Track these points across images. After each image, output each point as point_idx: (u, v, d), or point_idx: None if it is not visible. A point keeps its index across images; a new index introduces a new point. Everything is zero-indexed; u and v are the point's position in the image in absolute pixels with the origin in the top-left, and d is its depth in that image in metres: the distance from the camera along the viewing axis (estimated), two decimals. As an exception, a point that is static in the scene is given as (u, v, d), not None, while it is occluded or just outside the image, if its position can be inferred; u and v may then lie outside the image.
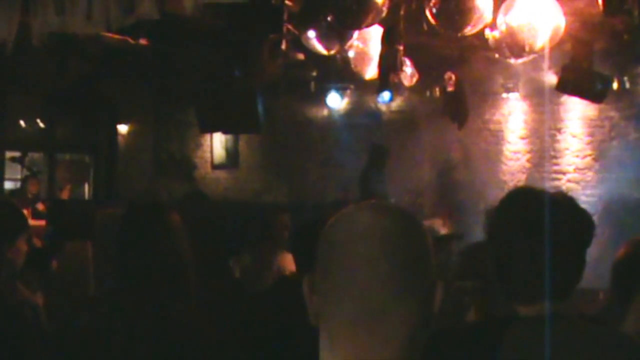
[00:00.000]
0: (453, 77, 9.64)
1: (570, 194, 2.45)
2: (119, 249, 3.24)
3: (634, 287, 2.85)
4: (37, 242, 8.16)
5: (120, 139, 15.70)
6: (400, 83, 8.67)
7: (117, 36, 8.01)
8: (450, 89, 9.75)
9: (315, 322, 1.58)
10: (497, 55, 7.48)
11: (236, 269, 6.12)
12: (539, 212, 2.23)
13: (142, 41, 8.60)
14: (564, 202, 2.35)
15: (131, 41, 8.49)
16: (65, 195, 12.77)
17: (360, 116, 12.40)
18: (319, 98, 12.33)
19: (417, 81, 8.85)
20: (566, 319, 2.23)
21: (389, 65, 7.42)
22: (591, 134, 10.36)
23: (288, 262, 6.19)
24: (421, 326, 1.55)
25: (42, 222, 8.38)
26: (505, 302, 2.31)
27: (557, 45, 6.88)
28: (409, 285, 1.54)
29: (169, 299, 3.10)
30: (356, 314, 1.52)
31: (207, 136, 14.03)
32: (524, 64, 8.24)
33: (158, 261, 3.13)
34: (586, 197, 9.84)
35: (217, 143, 14.15)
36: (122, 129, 15.63)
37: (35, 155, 15.28)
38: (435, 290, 1.59)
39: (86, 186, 15.34)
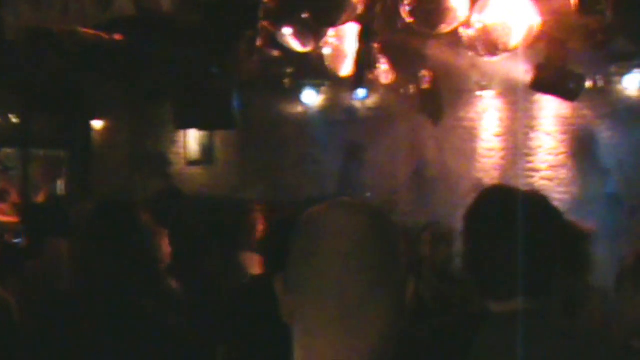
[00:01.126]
0: (428, 74, 9.67)
1: (543, 191, 2.47)
2: (87, 247, 3.23)
3: None
4: (9, 238, 8.13)
5: (94, 134, 15.61)
6: (377, 80, 8.69)
7: (92, 31, 7.97)
8: (425, 86, 9.77)
9: (288, 320, 1.60)
10: (471, 54, 7.50)
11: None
12: (512, 209, 2.25)
13: (117, 37, 8.56)
14: (537, 200, 2.37)
15: (106, 37, 8.45)
16: (41, 197, 12.68)
17: (336, 113, 12.40)
18: (294, 95, 12.32)
19: (393, 79, 8.88)
20: (539, 315, 2.25)
21: (364, 62, 7.44)
22: (564, 132, 10.42)
23: (251, 263, 6.19)
24: (394, 321, 1.58)
25: (13, 219, 8.32)
26: (479, 298, 2.32)
27: (531, 44, 6.92)
28: (381, 281, 1.57)
29: (140, 296, 3.09)
30: (331, 311, 1.54)
31: (182, 132, 13.99)
32: (498, 62, 8.27)
33: (127, 259, 3.12)
34: (559, 194, 9.90)
35: (192, 139, 14.11)
36: (97, 124, 15.54)
37: (8, 151, 15.16)
38: (407, 285, 1.63)
39: (60, 182, 15.25)
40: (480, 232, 2.33)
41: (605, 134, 9.91)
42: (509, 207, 2.28)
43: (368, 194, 8.84)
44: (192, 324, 3.39)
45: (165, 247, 5.06)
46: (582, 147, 10.18)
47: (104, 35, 8.34)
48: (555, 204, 2.44)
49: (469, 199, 2.45)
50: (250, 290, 4.19)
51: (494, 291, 2.29)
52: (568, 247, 2.95)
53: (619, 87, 9.80)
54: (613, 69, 9.73)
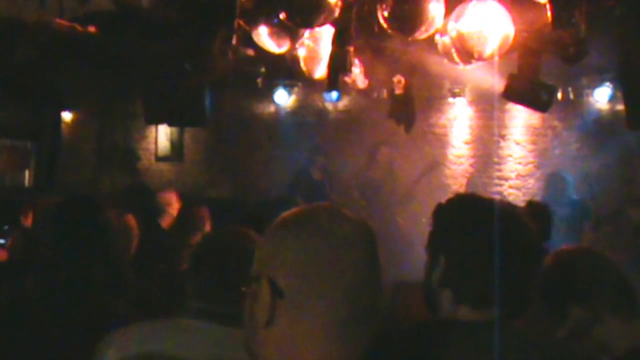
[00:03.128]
0: (402, 80, 9.68)
1: (511, 200, 2.49)
2: (51, 243, 3.19)
3: (566, 301, 2.89)
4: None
5: (63, 126, 15.49)
6: (350, 84, 8.69)
7: (66, 23, 7.90)
8: (398, 92, 9.79)
9: (269, 320, 1.58)
10: (445, 61, 7.54)
11: None
12: (487, 219, 2.26)
13: (91, 29, 8.50)
14: (510, 210, 2.38)
15: (79, 29, 8.39)
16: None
17: (307, 114, 12.40)
18: (267, 94, 12.31)
19: (367, 83, 8.90)
20: (512, 325, 2.26)
21: (338, 65, 7.44)
22: (534, 142, 10.51)
23: None
24: (379, 327, 1.62)
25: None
26: (451, 305, 2.32)
27: (505, 54, 6.96)
28: (377, 292, 1.63)
29: (105, 294, 3.06)
30: (342, 316, 1.58)
31: (152, 127, 13.91)
32: (471, 70, 8.32)
33: (91, 257, 3.08)
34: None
35: (162, 135, 14.04)
36: (67, 116, 15.42)
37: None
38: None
39: (27, 173, 15.11)
40: (453, 239, 2.33)
41: (573, 145, 10.00)
42: (482, 215, 2.29)
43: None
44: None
45: (134, 242, 5.04)
46: (550, 157, 10.26)
47: (78, 27, 8.28)
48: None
49: (425, 179, 2.45)
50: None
51: (467, 299, 2.29)
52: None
53: (590, 99, 9.90)
54: (584, 81, 9.82)
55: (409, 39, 6.89)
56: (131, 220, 5.27)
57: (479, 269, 2.26)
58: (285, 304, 1.58)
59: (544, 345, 2.27)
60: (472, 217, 2.33)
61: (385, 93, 10.50)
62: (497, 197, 2.65)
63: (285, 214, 1.67)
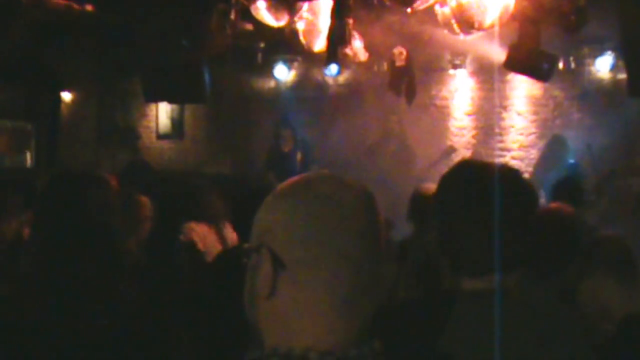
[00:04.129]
0: (404, 52, 9.63)
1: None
2: (42, 220, 3.13)
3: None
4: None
5: (63, 107, 15.45)
6: (353, 58, 8.65)
7: (61, 1, 7.85)
8: (399, 63, 9.74)
9: (270, 292, 1.55)
10: (446, 31, 7.48)
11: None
12: (485, 184, 2.22)
13: (88, 7, 8.45)
14: (510, 175, 2.34)
15: (76, 7, 8.33)
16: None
17: (307, 89, 12.36)
18: (266, 69, 12.26)
19: (367, 56, 8.85)
20: (514, 292, 2.23)
21: (337, 38, 7.39)
22: (536, 113, 10.47)
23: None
24: (384, 298, 1.59)
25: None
26: (451, 275, 2.30)
27: (505, 24, 6.91)
28: (380, 262, 1.59)
29: (106, 274, 3.02)
30: (345, 288, 1.53)
31: (152, 106, 13.88)
32: (472, 41, 8.27)
33: (84, 234, 3.03)
34: (529, 174, 9.95)
35: (163, 113, 14.00)
36: (66, 96, 15.37)
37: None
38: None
39: (28, 154, 15.09)
40: (452, 208, 2.30)
41: (575, 115, 9.96)
42: (481, 182, 2.25)
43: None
44: (164, 304, 3.34)
45: (144, 224, 4.99)
46: (552, 127, 10.23)
47: (74, 6, 8.23)
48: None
49: (439, 166, 2.43)
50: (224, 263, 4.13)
51: (467, 268, 2.27)
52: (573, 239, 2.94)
53: (591, 68, 9.85)
54: (585, 50, 9.77)
55: (409, 10, 6.84)
56: (143, 200, 5.20)
57: (474, 237, 2.23)
58: (287, 275, 1.54)
59: (544, 313, 2.25)
60: (465, 184, 2.30)
61: (385, 66, 10.45)
62: (502, 163, 2.61)
63: (284, 182, 1.63)
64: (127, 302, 3.00)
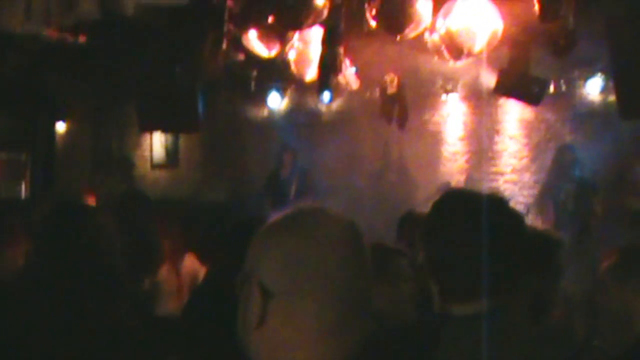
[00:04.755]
0: (395, 78, 9.70)
1: (507, 194, 2.50)
2: (42, 250, 3.18)
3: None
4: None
5: (58, 137, 15.49)
6: (345, 86, 8.71)
7: (56, 32, 7.90)
8: (391, 90, 9.80)
9: (260, 322, 1.60)
10: (436, 58, 7.55)
11: None
12: (473, 212, 2.27)
13: (82, 38, 8.50)
14: (496, 202, 2.39)
15: (70, 38, 8.39)
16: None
17: (301, 116, 12.40)
18: (260, 97, 12.30)
19: (359, 83, 8.91)
20: (501, 317, 2.26)
21: (329, 66, 7.45)
22: (528, 136, 10.51)
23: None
24: (369, 327, 1.63)
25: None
26: (440, 301, 2.34)
27: (495, 49, 6.98)
28: (367, 292, 1.65)
29: (101, 302, 3.05)
30: (331, 316, 1.59)
31: (147, 135, 13.90)
32: (463, 66, 8.34)
33: (81, 262, 3.07)
34: (523, 197, 9.98)
35: (157, 142, 14.03)
36: (60, 126, 15.41)
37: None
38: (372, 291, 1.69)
39: (23, 184, 15.10)
40: (441, 234, 2.35)
41: (567, 138, 9.99)
42: (469, 210, 2.30)
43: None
44: (158, 329, 3.36)
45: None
46: (545, 150, 10.26)
47: (68, 36, 8.28)
48: (520, 207, 2.47)
49: (432, 201, 2.48)
50: (205, 294, 4.15)
51: (455, 293, 2.30)
52: (540, 254, 2.99)
53: (582, 91, 9.90)
54: (576, 73, 9.82)
55: (399, 37, 6.90)
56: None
57: (462, 263, 2.27)
58: (276, 305, 1.59)
59: (533, 335, 2.28)
60: (452, 212, 2.35)
61: (378, 92, 10.50)
62: (489, 190, 2.66)
63: (274, 216, 1.69)
64: (127, 329, 3.04)
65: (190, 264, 6.50)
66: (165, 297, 6.03)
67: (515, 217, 2.41)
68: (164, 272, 6.19)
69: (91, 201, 7.02)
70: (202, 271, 6.49)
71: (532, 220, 8.41)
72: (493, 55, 7.36)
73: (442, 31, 6.82)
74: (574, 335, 2.87)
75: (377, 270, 1.69)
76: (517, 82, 7.50)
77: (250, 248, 1.70)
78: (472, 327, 2.20)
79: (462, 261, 2.27)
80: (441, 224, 2.37)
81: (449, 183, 10.58)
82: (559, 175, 9.35)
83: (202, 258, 6.28)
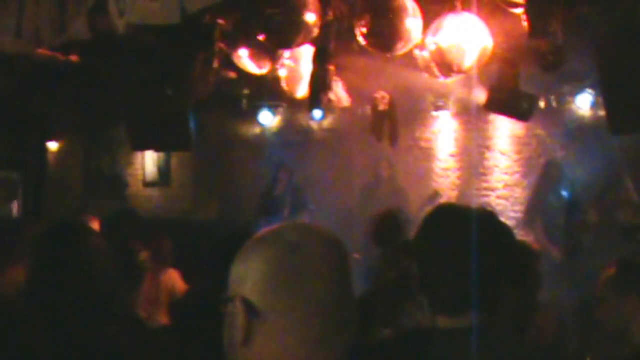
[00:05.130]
0: (386, 95, 9.72)
1: (499, 210, 2.52)
2: (35, 270, 3.19)
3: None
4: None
5: (49, 156, 15.47)
6: (333, 102, 8.72)
7: (47, 53, 7.90)
8: (382, 107, 9.82)
9: (245, 339, 1.61)
10: (426, 75, 7.58)
11: None
12: (461, 226, 2.29)
13: (73, 58, 8.50)
14: (485, 217, 2.41)
15: (61, 58, 8.39)
16: None
17: (292, 134, 12.42)
18: (251, 116, 12.32)
19: (349, 100, 8.93)
20: (489, 331, 2.27)
21: (319, 84, 7.46)
22: (519, 152, 10.55)
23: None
24: (351, 343, 1.64)
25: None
26: (429, 314, 2.35)
27: (484, 65, 7.00)
28: (349, 306, 1.67)
29: (94, 321, 3.06)
30: (315, 332, 1.60)
31: (139, 154, 13.91)
32: (454, 83, 8.36)
33: (74, 281, 3.08)
34: (515, 213, 10.01)
35: (149, 160, 14.03)
36: (52, 146, 15.40)
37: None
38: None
39: (14, 204, 15.06)
40: (430, 249, 2.36)
41: (558, 153, 10.03)
42: (458, 224, 2.32)
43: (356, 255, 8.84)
44: (153, 348, 3.37)
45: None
46: (536, 166, 10.29)
47: (59, 56, 8.28)
48: (511, 222, 2.49)
49: (425, 211, 2.50)
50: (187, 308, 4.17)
51: (444, 307, 2.32)
52: (519, 265, 3.01)
53: (572, 106, 9.95)
54: (565, 89, 9.87)
55: (388, 54, 6.92)
56: (144, 255, 5.29)
57: (450, 276, 2.28)
58: (260, 323, 1.60)
59: (521, 351, 2.29)
60: (442, 226, 2.37)
61: (369, 109, 10.53)
62: (479, 206, 2.68)
63: (257, 233, 1.69)
64: (117, 346, 3.04)
65: (169, 278, 6.59)
66: (143, 307, 6.09)
67: (504, 231, 2.43)
68: (145, 283, 6.25)
69: (94, 224, 7.03)
70: (180, 286, 6.59)
71: (521, 235, 8.45)
72: (483, 71, 7.39)
73: (432, 48, 6.84)
74: (565, 350, 2.88)
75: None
76: (506, 98, 7.52)
77: (234, 264, 1.70)
78: (460, 341, 2.21)
79: (451, 275, 2.29)
80: (431, 237, 2.39)
81: (438, 192, 10.61)
82: (546, 191, 9.39)
83: (186, 275, 6.33)
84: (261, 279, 1.62)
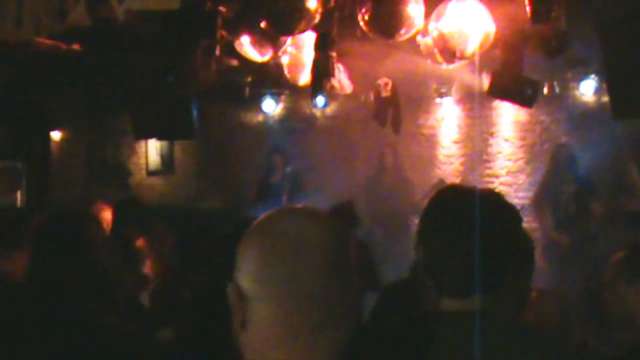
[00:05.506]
0: (389, 82, 9.70)
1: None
2: (36, 260, 3.20)
3: None
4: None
5: (53, 145, 15.47)
6: (339, 90, 8.71)
7: (48, 41, 7.89)
8: (385, 94, 9.80)
9: (240, 328, 1.60)
10: (429, 61, 7.55)
11: None
12: (467, 207, 2.27)
13: (75, 46, 8.49)
14: (492, 198, 2.40)
15: (63, 46, 8.37)
16: None
17: (295, 121, 12.41)
18: (254, 103, 12.31)
19: (352, 87, 8.91)
20: (493, 314, 2.26)
21: (322, 71, 7.45)
22: (523, 138, 10.54)
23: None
24: (353, 330, 1.61)
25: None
26: (435, 297, 2.34)
27: (487, 51, 6.98)
28: (348, 294, 1.61)
29: (93, 309, 3.06)
30: (305, 321, 1.57)
31: (142, 142, 13.91)
32: (457, 69, 8.34)
33: (75, 272, 3.09)
34: (519, 199, 9.99)
35: (152, 149, 14.03)
36: (55, 135, 15.40)
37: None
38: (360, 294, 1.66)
39: (18, 194, 15.07)
40: (436, 230, 2.35)
41: (562, 139, 10.01)
42: (463, 205, 2.30)
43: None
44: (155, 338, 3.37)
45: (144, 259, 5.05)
46: (540, 152, 10.28)
47: (61, 45, 8.27)
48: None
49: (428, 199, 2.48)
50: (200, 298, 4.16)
51: (449, 289, 2.31)
52: (525, 248, 2.99)
53: (576, 92, 9.93)
54: (569, 74, 9.85)
55: (391, 41, 6.90)
56: (140, 243, 5.27)
57: (455, 258, 2.27)
58: (254, 310, 1.59)
59: (525, 335, 2.28)
60: (448, 207, 2.36)
61: (372, 96, 10.51)
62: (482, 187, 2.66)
63: (256, 220, 1.68)
64: (115, 334, 3.05)
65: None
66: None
67: (512, 213, 2.42)
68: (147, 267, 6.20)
69: (106, 212, 7.03)
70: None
71: (528, 221, 8.44)
72: (486, 57, 7.36)
73: (435, 34, 6.82)
74: (567, 335, 2.87)
75: None
76: (510, 84, 7.49)
77: (237, 252, 1.70)
78: (465, 324, 2.20)
79: (457, 256, 2.27)
80: (437, 219, 2.38)
81: (443, 181, 10.60)
82: (557, 175, 9.35)
83: (190, 263, 6.28)
84: (249, 264, 1.61)
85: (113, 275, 3.24)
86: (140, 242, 5.23)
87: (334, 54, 7.46)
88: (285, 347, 1.58)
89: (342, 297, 1.60)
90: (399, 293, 4.26)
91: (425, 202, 2.45)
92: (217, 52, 7.76)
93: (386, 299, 4.46)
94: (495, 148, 10.70)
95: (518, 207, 2.49)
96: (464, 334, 2.19)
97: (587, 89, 9.73)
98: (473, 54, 6.70)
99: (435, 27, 6.78)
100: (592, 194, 9.13)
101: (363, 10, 6.69)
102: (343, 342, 1.60)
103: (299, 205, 1.72)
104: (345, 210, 6.38)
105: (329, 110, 11.91)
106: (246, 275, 1.61)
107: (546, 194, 9.41)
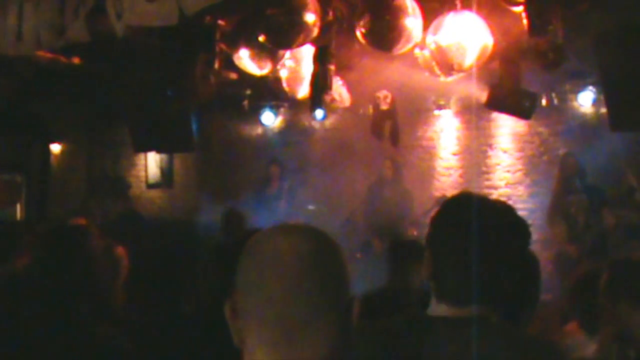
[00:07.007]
0: (388, 95, 9.72)
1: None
2: (36, 272, 3.22)
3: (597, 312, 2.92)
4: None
5: (52, 158, 15.49)
6: (337, 103, 8.73)
7: (48, 55, 7.92)
8: (384, 107, 9.82)
9: (239, 345, 1.62)
10: (427, 74, 7.59)
11: None
12: (477, 218, 2.27)
13: (75, 60, 8.53)
14: (501, 209, 2.40)
15: (63, 60, 8.41)
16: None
17: (294, 134, 12.42)
18: (253, 116, 12.32)
19: (351, 100, 8.94)
20: (489, 321, 2.27)
21: (320, 84, 7.48)
22: (521, 150, 10.55)
23: None
24: (341, 341, 1.60)
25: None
26: (435, 303, 2.35)
27: (485, 64, 7.01)
28: (326, 302, 1.60)
29: (91, 321, 3.08)
30: (276, 334, 1.57)
31: (142, 155, 13.90)
32: (455, 81, 8.36)
33: (74, 284, 3.10)
34: (518, 211, 9.97)
35: (152, 162, 14.03)
36: (55, 148, 15.42)
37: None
38: (353, 305, 1.66)
39: (18, 206, 15.08)
40: (441, 238, 2.35)
41: (560, 151, 10.02)
42: (470, 214, 2.31)
43: (358, 255, 8.78)
44: (146, 350, 3.38)
45: (123, 269, 5.05)
46: (538, 164, 10.28)
47: (60, 59, 8.30)
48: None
49: (432, 213, 2.48)
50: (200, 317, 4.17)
51: (448, 296, 2.31)
52: (526, 264, 3.00)
53: (574, 104, 9.95)
54: (567, 86, 9.87)
55: (389, 54, 6.94)
56: (120, 251, 5.27)
57: (457, 268, 2.28)
58: (246, 327, 1.61)
59: (520, 341, 2.29)
60: (457, 216, 2.35)
61: (370, 109, 10.53)
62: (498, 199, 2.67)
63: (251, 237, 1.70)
64: (109, 343, 3.07)
65: None
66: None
67: (521, 228, 2.43)
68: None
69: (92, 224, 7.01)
70: None
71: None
72: (484, 70, 7.39)
73: (433, 47, 6.85)
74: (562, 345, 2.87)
75: None
76: (508, 96, 7.53)
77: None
78: (458, 330, 2.21)
79: (460, 266, 2.28)
80: (443, 227, 2.38)
81: (445, 196, 10.57)
82: (566, 184, 9.27)
83: (188, 276, 6.26)
84: (242, 285, 1.63)
85: (106, 286, 3.26)
86: (120, 250, 5.23)
87: (332, 67, 7.50)
88: (284, 347, 1.59)
89: (335, 312, 1.60)
90: (376, 302, 4.27)
91: (426, 218, 2.46)
92: (216, 65, 7.79)
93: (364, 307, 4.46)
94: (494, 160, 10.72)
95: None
96: (457, 340, 2.20)
97: (585, 101, 9.76)
98: (471, 67, 6.73)
99: (433, 40, 6.80)
100: (603, 206, 9.06)
101: (361, 23, 6.73)
102: (333, 347, 1.60)
103: (291, 223, 1.73)
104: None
105: (328, 122, 11.92)
106: (240, 294, 1.62)
107: (557, 204, 9.33)
